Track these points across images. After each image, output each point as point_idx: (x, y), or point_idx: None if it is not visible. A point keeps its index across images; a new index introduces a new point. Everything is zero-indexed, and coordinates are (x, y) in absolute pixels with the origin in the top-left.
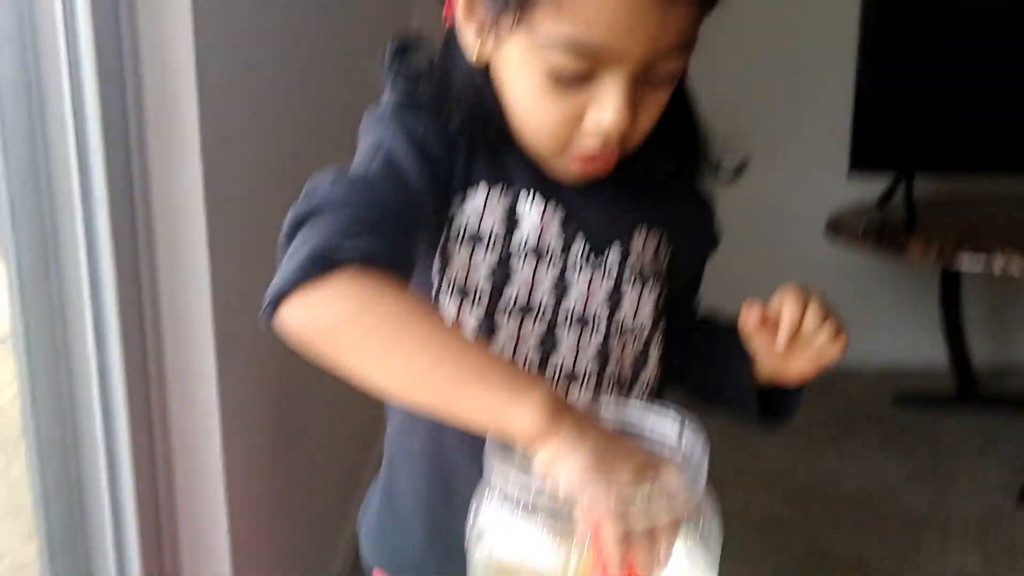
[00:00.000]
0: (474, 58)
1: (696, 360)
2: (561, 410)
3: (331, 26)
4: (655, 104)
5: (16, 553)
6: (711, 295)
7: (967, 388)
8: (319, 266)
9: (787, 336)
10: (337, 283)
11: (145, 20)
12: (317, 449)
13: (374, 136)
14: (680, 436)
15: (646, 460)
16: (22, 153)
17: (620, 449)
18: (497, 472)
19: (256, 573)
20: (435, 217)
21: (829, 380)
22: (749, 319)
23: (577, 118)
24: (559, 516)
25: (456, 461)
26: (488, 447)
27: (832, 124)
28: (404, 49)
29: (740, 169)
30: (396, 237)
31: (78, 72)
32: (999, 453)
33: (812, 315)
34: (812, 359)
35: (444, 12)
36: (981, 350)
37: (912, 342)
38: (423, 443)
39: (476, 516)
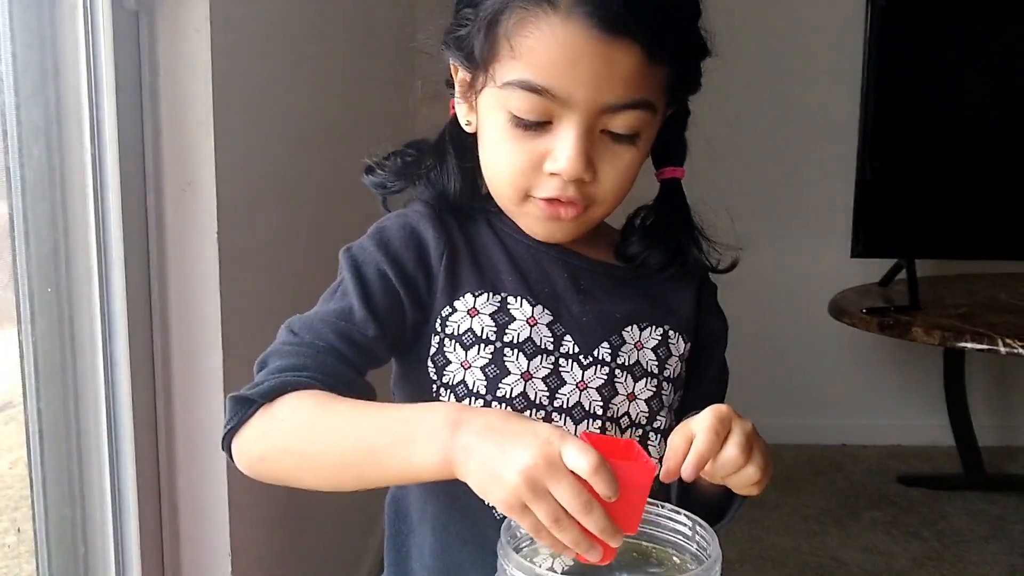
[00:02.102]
0: (467, 127)
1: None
2: (455, 421)
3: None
4: (618, 161)
5: None
6: None
7: (973, 468)
8: (240, 411)
9: (693, 470)
10: (254, 422)
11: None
12: (323, 509)
13: (348, 260)
14: (693, 530)
15: (548, 436)
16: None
17: (521, 431)
18: (506, 571)
19: None
20: (412, 330)
21: (834, 459)
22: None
23: (538, 164)
24: None
25: (461, 562)
26: (500, 543)
27: (834, 210)
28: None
29: (732, 266)
30: (319, 360)
31: (100, 143)
32: (1007, 535)
33: (731, 452)
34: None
35: (450, 103)
36: (987, 430)
37: (917, 421)
38: (432, 545)
39: None
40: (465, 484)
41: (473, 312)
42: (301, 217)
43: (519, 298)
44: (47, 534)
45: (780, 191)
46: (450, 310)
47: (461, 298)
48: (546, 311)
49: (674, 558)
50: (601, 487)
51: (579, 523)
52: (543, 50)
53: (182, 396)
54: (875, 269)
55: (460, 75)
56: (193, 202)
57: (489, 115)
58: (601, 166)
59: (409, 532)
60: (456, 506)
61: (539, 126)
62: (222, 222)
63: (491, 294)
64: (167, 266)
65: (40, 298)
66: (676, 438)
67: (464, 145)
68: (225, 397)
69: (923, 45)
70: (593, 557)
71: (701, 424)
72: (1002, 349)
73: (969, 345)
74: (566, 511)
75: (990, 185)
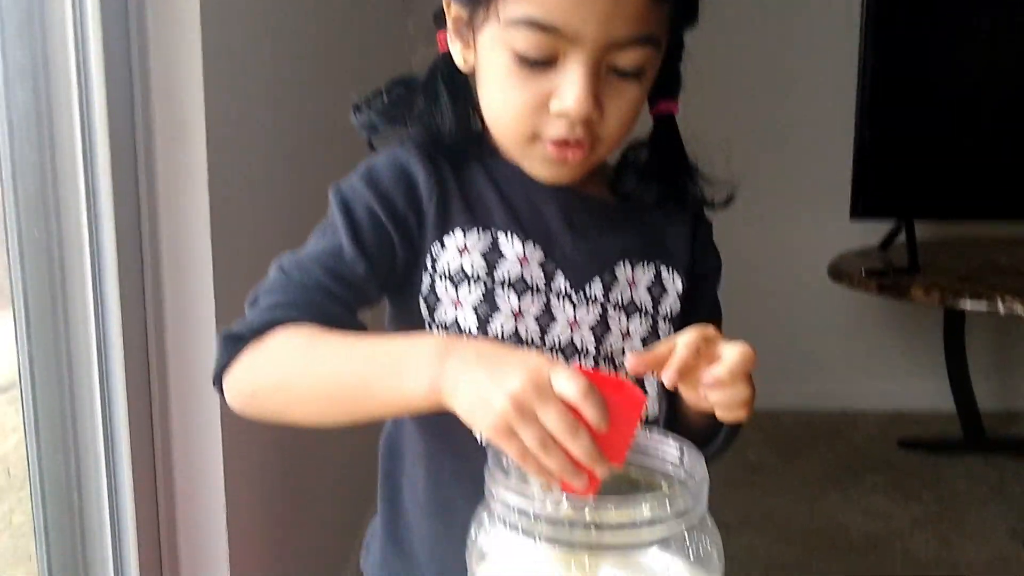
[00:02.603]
0: (463, 66)
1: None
2: (444, 351)
3: (334, 41)
4: (623, 98)
5: None
6: None
7: (973, 432)
8: (231, 348)
9: (673, 375)
10: (244, 358)
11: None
12: (320, 483)
13: (337, 198)
14: (681, 459)
15: (538, 362)
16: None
17: (511, 358)
18: (496, 496)
19: None
20: (402, 268)
21: (834, 424)
22: (633, 366)
23: (543, 103)
24: (557, 535)
25: (454, 497)
26: (487, 470)
27: (834, 172)
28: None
29: (728, 200)
30: (308, 296)
31: (89, 116)
32: (1006, 498)
33: (722, 368)
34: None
35: (438, 38)
36: (987, 394)
37: (917, 386)
38: (423, 481)
39: (476, 537)
40: (457, 420)
41: (463, 250)
42: (292, 156)
43: (510, 235)
44: (42, 489)
45: (779, 153)
46: (440, 247)
47: (451, 234)
48: (538, 248)
49: (663, 485)
50: (590, 412)
51: (565, 449)
52: None
53: (175, 338)
54: (874, 234)
55: (454, 11)
56: (183, 145)
57: (490, 54)
58: (607, 104)
59: (401, 470)
60: (448, 443)
61: (544, 64)
62: (212, 164)
63: (481, 231)
64: (158, 209)
65: (28, 239)
66: (659, 346)
67: (456, 83)
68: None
69: (922, 4)
70: (578, 484)
71: (685, 338)
72: (1001, 308)
73: (968, 305)
74: (553, 437)
75: (989, 146)
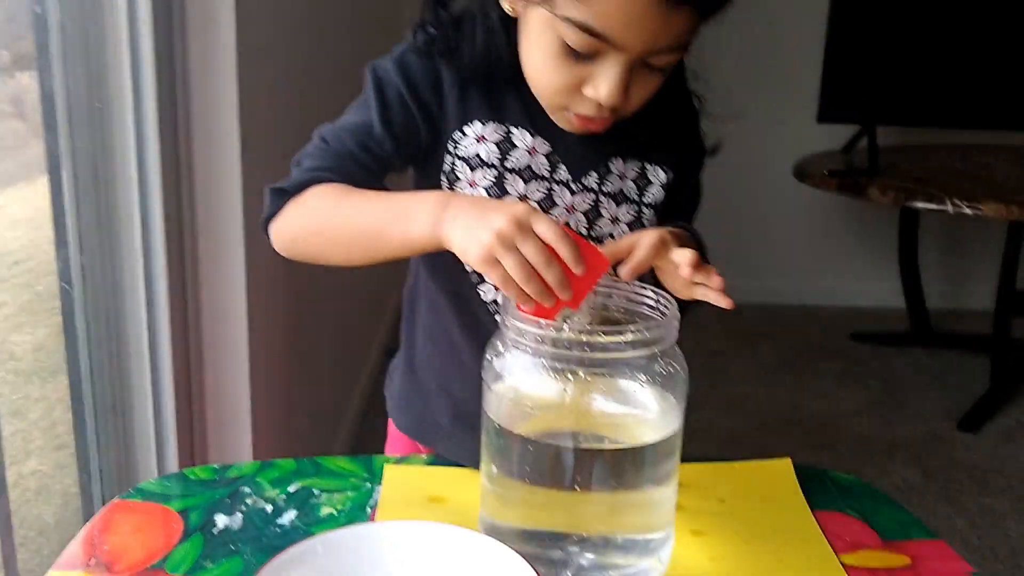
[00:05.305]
0: (508, 10)
1: None
2: (445, 202)
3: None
4: (648, 86)
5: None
6: None
7: (920, 326)
8: (276, 201)
9: (628, 272)
10: (287, 210)
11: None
12: (329, 328)
13: (372, 77)
14: (656, 302)
15: (524, 207)
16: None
17: (499, 205)
18: (509, 325)
19: (274, 440)
20: (425, 147)
21: (793, 317)
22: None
23: (578, 87)
24: (558, 354)
25: (460, 341)
26: (501, 306)
27: (802, 78)
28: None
29: (715, 150)
30: (341, 163)
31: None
32: (945, 386)
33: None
34: (686, 289)
35: None
36: (936, 293)
37: (872, 284)
38: (435, 326)
39: (492, 360)
40: (462, 278)
41: (480, 138)
42: (319, 49)
43: (522, 129)
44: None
45: (752, 59)
46: (461, 134)
47: (470, 124)
48: (545, 142)
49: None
50: (564, 251)
51: (540, 278)
52: (611, 6)
53: (204, 208)
54: (839, 138)
55: None
56: (215, 37)
57: (537, 28)
58: (633, 91)
59: (417, 317)
60: (454, 293)
61: (587, 56)
62: (241, 56)
63: (497, 124)
64: (191, 95)
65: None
66: (622, 241)
67: (506, 21)
68: (244, 218)
69: None
70: (547, 303)
71: (646, 240)
72: (950, 208)
73: (920, 204)
74: (531, 267)
75: (951, 58)
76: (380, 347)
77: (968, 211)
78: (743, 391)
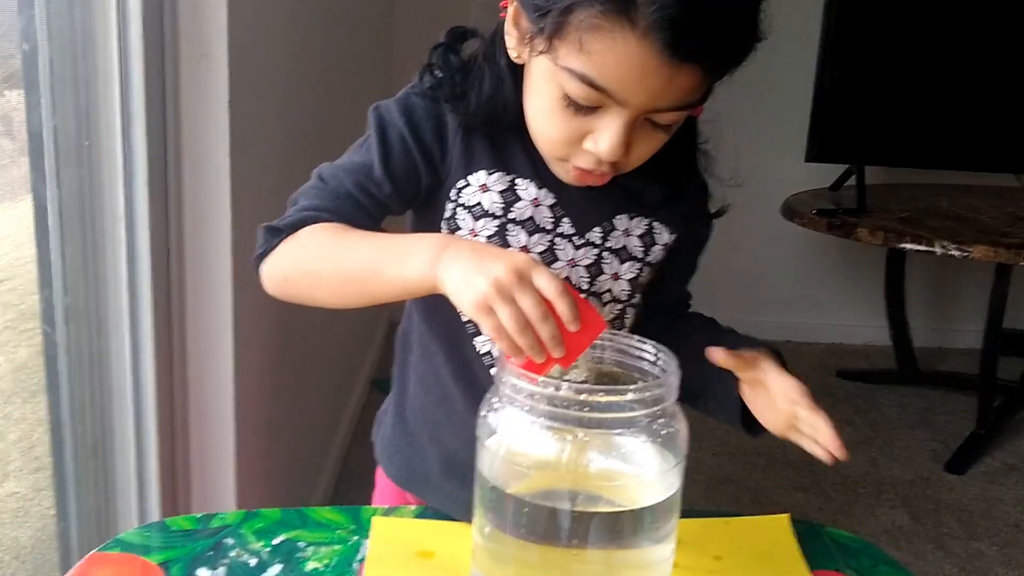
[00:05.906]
0: (514, 57)
1: (689, 351)
2: (444, 244)
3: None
4: (651, 142)
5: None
6: None
7: (906, 365)
8: (269, 239)
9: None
10: (279, 248)
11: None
12: (315, 366)
13: (375, 118)
14: (656, 357)
15: (525, 258)
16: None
17: (500, 253)
18: (505, 380)
19: (258, 482)
20: (425, 192)
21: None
22: (719, 358)
23: (578, 139)
24: (555, 413)
25: (453, 391)
26: (497, 360)
27: (792, 117)
28: (452, 43)
29: (720, 212)
30: (338, 204)
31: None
32: (931, 425)
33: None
34: (785, 428)
35: (501, 3)
36: (922, 332)
37: (859, 322)
38: (428, 373)
39: (487, 415)
40: (457, 326)
41: (484, 188)
42: (311, 87)
43: (527, 180)
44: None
45: (743, 98)
46: (464, 183)
47: (475, 174)
48: (550, 194)
49: (640, 381)
50: (562, 307)
51: (534, 332)
52: (612, 60)
53: (192, 247)
54: (827, 177)
55: (512, 10)
56: (208, 72)
57: (541, 78)
58: (635, 147)
59: (410, 362)
60: (449, 341)
61: (588, 108)
62: (233, 91)
63: (503, 174)
64: (181, 131)
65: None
66: (746, 354)
67: (515, 67)
68: (233, 258)
69: None
70: (537, 359)
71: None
72: (938, 250)
73: (908, 246)
74: (526, 320)
75: (939, 100)
76: (366, 377)
77: (957, 254)
78: (730, 429)
